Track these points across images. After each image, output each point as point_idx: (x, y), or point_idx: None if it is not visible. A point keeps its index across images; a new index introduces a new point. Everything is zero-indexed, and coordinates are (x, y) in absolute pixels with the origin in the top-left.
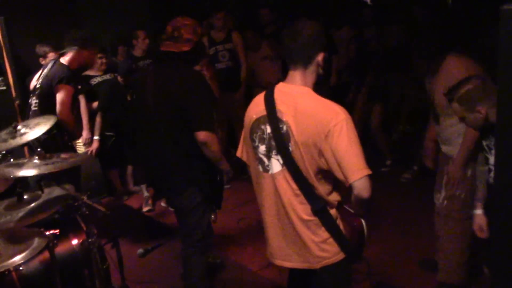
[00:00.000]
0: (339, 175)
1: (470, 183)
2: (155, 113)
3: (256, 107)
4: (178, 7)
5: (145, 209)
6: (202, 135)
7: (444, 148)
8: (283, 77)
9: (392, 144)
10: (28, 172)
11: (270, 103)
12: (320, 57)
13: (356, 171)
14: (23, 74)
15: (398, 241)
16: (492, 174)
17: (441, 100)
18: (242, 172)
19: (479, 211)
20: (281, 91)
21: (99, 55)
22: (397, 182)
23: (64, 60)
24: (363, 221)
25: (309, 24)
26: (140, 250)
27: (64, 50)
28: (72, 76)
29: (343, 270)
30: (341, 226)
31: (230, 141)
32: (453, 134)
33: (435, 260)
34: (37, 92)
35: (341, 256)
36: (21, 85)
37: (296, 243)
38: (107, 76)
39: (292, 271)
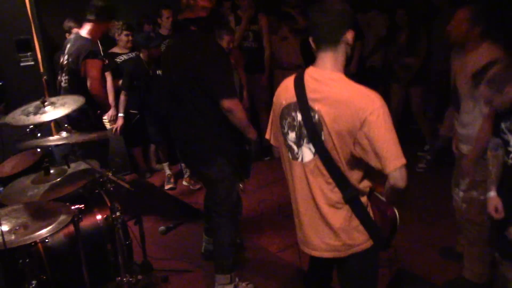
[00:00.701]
0: (376, 164)
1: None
2: (177, 85)
3: (286, 93)
4: None
5: (167, 187)
6: (226, 103)
7: (463, 133)
8: (303, 57)
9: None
10: (55, 141)
11: (300, 89)
12: (350, 35)
13: (393, 160)
14: (51, 50)
15: (418, 229)
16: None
17: (467, 83)
18: (264, 155)
19: (492, 193)
20: (312, 77)
21: (125, 33)
22: (413, 172)
23: (85, 33)
24: (395, 210)
25: (337, 1)
26: (162, 228)
27: (83, 22)
28: (98, 49)
29: (371, 257)
30: (371, 214)
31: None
32: (475, 119)
33: (455, 249)
34: (65, 69)
35: (369, 243)
36: (49, 60)
37: (325, 232)
38: (133, 54)
39: (314, 257)
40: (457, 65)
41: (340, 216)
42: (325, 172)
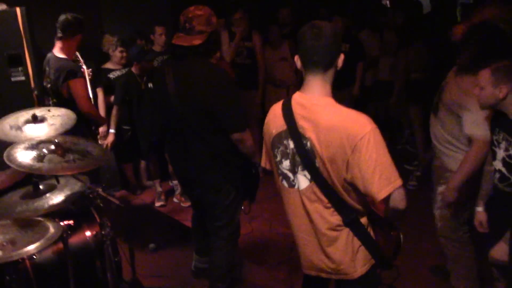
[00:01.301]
0: (367, 189)
1: (461, 201)
2: (181, 114)
3: (275, 121)
4: (199, 2)
5: (157, 204)
6: (237, 135)
7: (441, 151)
8: (295, 77)
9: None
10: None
11: (289, 117)
12: (340, 59)
13: (389, 183)
14: (42, 65)
15: (410, 247)
16: (497, 175)
17: (458, 98)
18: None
19: (480, 209)
20: (300, 103)
21: (119, 49)
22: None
23: (57, 52)
24: (400, 232)
25: (329, 24)
26: (152, 245)
27: (56, 40)
28: (75, 67)
29: (372, 276)
30: (372, 233)
31: None
32: (454, 136)
33: (444, 266)
34: (50, 93)
35: (371, 263)
36: (40, 76)
37: (328, 255)
38: (126, 70)
39: (308, 277)
40: (452, 78)
41: (341, 239)
42: (322, 197)
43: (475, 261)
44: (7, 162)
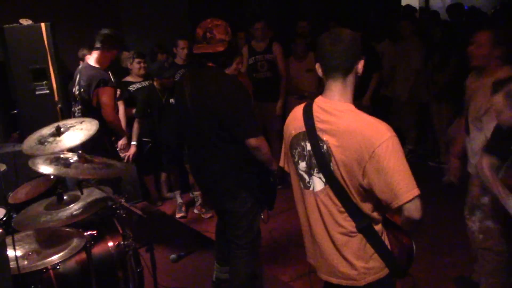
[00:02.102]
0: (384, 197)
1: (503, 213)
2: (197, 123)
3: (295, 122)
4: (217, 16)
5: (178, 215)
6: (252, 142)
7: (474, 162)
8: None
9: None
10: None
11: (309, 119)
12: (360, 65)
13: (405, 192)
14: (66, 79)
15: (431, 258)
16: None
17: (482, 105)
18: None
19: None
20: (321, 107)
21: (137, 60)
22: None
23: (92, 61)
24: (411, 239)
25: (348, 30)
26: (173, 256)
27: (92, 51)
28: (108, 77)
29: (388, 285)
30: (386, 241)
31: None
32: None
33: (471, 279)
34: (78, 99)
35: (385, 271)
36: (64, 89)
37: (340, 260)
38: (146, 83)
39: (327, 283)
40: (472, 89)
41: (353, 244)
42: (336, 201)
43: (509, 278)
44: (33, 167)
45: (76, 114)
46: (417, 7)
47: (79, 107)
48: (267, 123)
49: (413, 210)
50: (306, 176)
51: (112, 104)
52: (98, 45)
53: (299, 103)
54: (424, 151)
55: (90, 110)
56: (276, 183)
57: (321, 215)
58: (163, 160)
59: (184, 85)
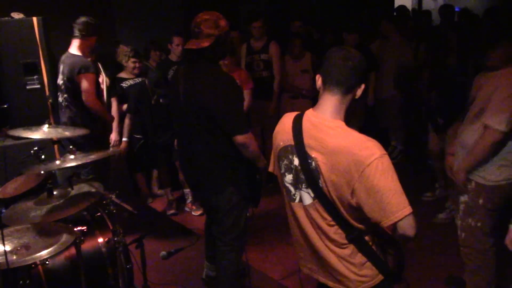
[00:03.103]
0: (374, 216)
1: (484, 211)
2: (188, 116)
3: (284, 134)
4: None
5: (169, 212)
6: (238, 139)
7: (462, 153)
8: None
9: None
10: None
11: (298, 134)
12: (359, 90)
13: (396, 211)
14: (57, 74)
15: (423, 258)
16: None
17: (486, 102)
18: (268, 181)
19: None
20: (311, 122)
21: (132, 60)
22: (419, 200)
23: (74, 50)
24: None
25: (357, 52)
26: (163, 253)
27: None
28: (88, 64)
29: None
30: (377, 250)
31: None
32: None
33: (461, 278)
34: (62, 88)
35: (379, 278)
36: (55, 84)
37: (333, 269)
38: (139, 80)
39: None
40: (480, 83)
41: (346, 254)
42: (326, 215)
43: (495, 275)
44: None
45: (63, 103)
46: (410, 8)
47: (65, 96)
48: (263, 121)
49: (407, 228)
50: (292, 189)
51: (92, 89)
52: (76, 33)
53: (292, 103)
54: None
55: (74, 98)
56: (262, 180)
57: (312, 227)
58: (154, 157)
59: (178, 81)
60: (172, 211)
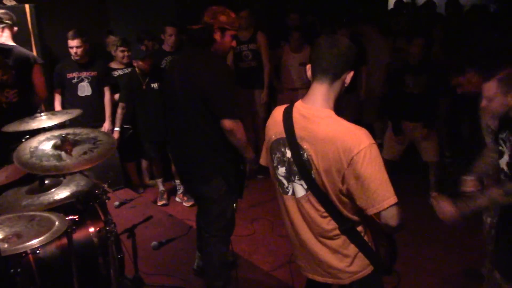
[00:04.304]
0: (360, 203)
1: None
2: (182, 102)
3: (275, 127)
4: (205, 4)
5: (160, 203)
6: (226, 123)
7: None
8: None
9: None
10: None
11: (289, 126)
12: (348, 76)
13: (381, 201)
14: (51, 62)
15: (411, 251)
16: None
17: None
18: (258, 173)
19: None
20: (301, 113)
21: (120, 49)
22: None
23: (7, 40)
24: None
25: (345, 39)
26: (154, 243)
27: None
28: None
29: (374, 283)
30: (369, 241)
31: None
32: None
33: (480, 272)
34: (10, 83)
35: (370, 269)
36: (48, 72)
37: (324, 262)
38: (128, 70)
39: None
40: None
41: (338, 245)
42: (319, 207)
43: None
44: (29, 170)
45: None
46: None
47: (14, 90)
48: (253, 110)
49: (389, 218)
50: (285, 182)
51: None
52: (9, 22)
53: (290, 96)
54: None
55: (27, 91)
56: (246, 171)
57: (304, 219)
58: (146, 148)
59: (174, 67)
60: (163, 202)
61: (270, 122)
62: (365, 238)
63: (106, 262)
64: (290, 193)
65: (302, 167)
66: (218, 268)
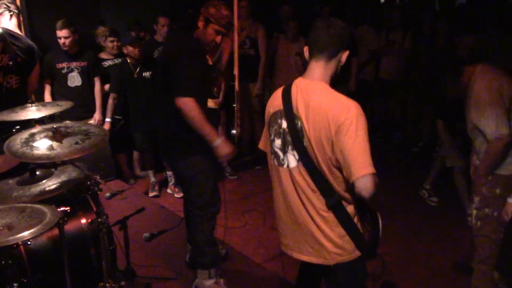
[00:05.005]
0: (344, 172)
1: (501, 201)
2: (158, 80)
3: (274, 101)
4: None
5: (151, 194)
6: (177, 101)
7: (475, 160)
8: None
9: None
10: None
11: (286, 98)
12: (344, 55)
13: (358, 169)
14: (41, 52)
15: (403, 243)
16: None
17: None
18: (256, 164)
19: (511, 200)
20: (299, 86)
21: (110, 39)
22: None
23: (14, 27)
24: (378, 215)
25: (340, 21)
26: (146, 234)
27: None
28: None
29: (359, 268)
30: (358, 225)
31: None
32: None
33: (469, 265)
34: (14, 69)
35: (356, 254)
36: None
37: (312, 238)
38: (119, 60)
39: (303, 266)
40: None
41: (326, 223)
42: (309, 179)
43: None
44: (20, 159)
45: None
46: None
47: (16, 77)
48: (248, 103)
49: (362, 187)
50: (280, 153)
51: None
52: (16, 10)
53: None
54: (401, 138)
55: (23, 81)
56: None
57: (296, 192)
58: (137, 139)
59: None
60: (154, 193)
61: (271, 98)
62: (355, 220)
63: (98, 254)
64: (285, 166)
65: (295, 137)
66: (202, 244)
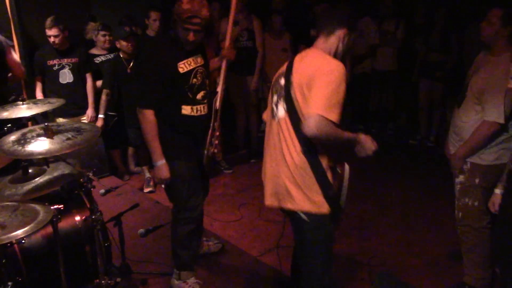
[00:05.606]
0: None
1: (480, 190)
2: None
3: (281, 68)
4: None
5: (146, 190)
6: (137, 110)
7: (455, 136)
8: None
9: None
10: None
11: (289, 65)
12: (342, 33)
13: (313, 107)
14: (31, 49)
15: (399, 234)
16: None
17: (480, 85)
18: (251, 157)
19: (498, 191)
20: (301, 54)
21: (101, 33)
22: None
23: None
24: (347, 167)
25: (344, 5)
26: (141, 230)
27: None
28: None
29: (326, 228)
30: (330, 178)
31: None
32: (472, 126)
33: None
34: None
35: (325, 208)
36: (28, 59)
37: (284, 185)
38: (111, 55)
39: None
40: (479, 63)
41: (300, 173)
42: (290, 127)
43: (490, 251)
44: (11, 156)
45: None
46: None
47: None
48: (244, 96)
49: (307, 123)
50: (274, 107)
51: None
52: None
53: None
54: (398, 129)
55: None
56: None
57: (279, 139)
58: (131, 135)
59: None
60: (149, 189)
61: (280, 68)
62: (328, 175)
63: (93, 251)
64: (276, 118)
65: (286, 89)
66: (174, 245)
